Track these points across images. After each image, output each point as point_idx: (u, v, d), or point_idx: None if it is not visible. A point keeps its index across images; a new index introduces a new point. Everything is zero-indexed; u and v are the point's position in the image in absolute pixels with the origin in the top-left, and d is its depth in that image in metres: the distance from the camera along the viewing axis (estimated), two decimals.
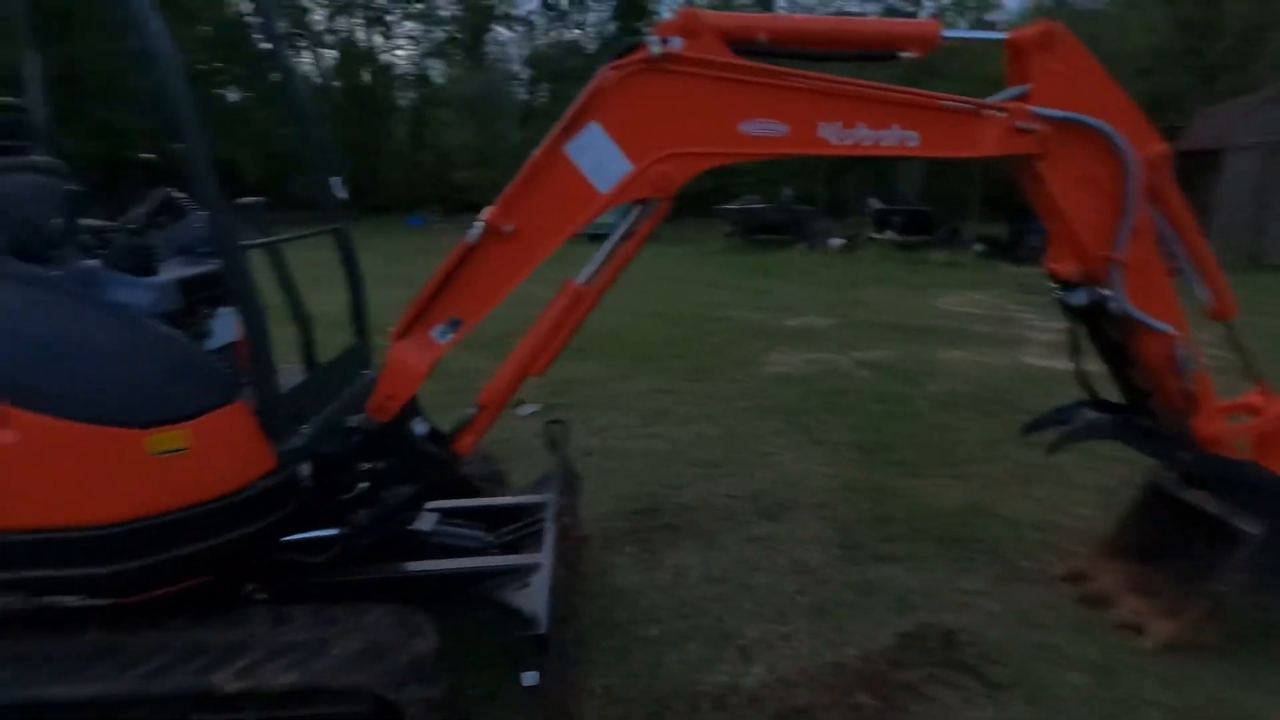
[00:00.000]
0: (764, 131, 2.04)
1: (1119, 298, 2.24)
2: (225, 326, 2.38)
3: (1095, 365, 2.70)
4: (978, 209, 17.98)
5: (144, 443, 1.78)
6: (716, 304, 9.93)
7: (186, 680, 1.76)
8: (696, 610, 2.79)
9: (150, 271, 2.15)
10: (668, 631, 2.66)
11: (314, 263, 2.95)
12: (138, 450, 1.77)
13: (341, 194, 2.74)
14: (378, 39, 36.55)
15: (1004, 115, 2.08)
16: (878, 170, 21.56)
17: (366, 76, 35.58)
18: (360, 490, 2.25)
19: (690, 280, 12.45)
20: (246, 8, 31.65)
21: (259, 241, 2.13)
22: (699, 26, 1.96)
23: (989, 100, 2.13)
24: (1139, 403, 2.53)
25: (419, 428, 2.32)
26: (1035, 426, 2.82)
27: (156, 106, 1.83)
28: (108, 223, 2.36)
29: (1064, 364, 2.99)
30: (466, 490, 2.96)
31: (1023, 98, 2.11)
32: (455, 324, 2.17)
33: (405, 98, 38.25)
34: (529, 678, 1.85)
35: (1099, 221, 2.22)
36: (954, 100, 2.10)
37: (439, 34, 37.80)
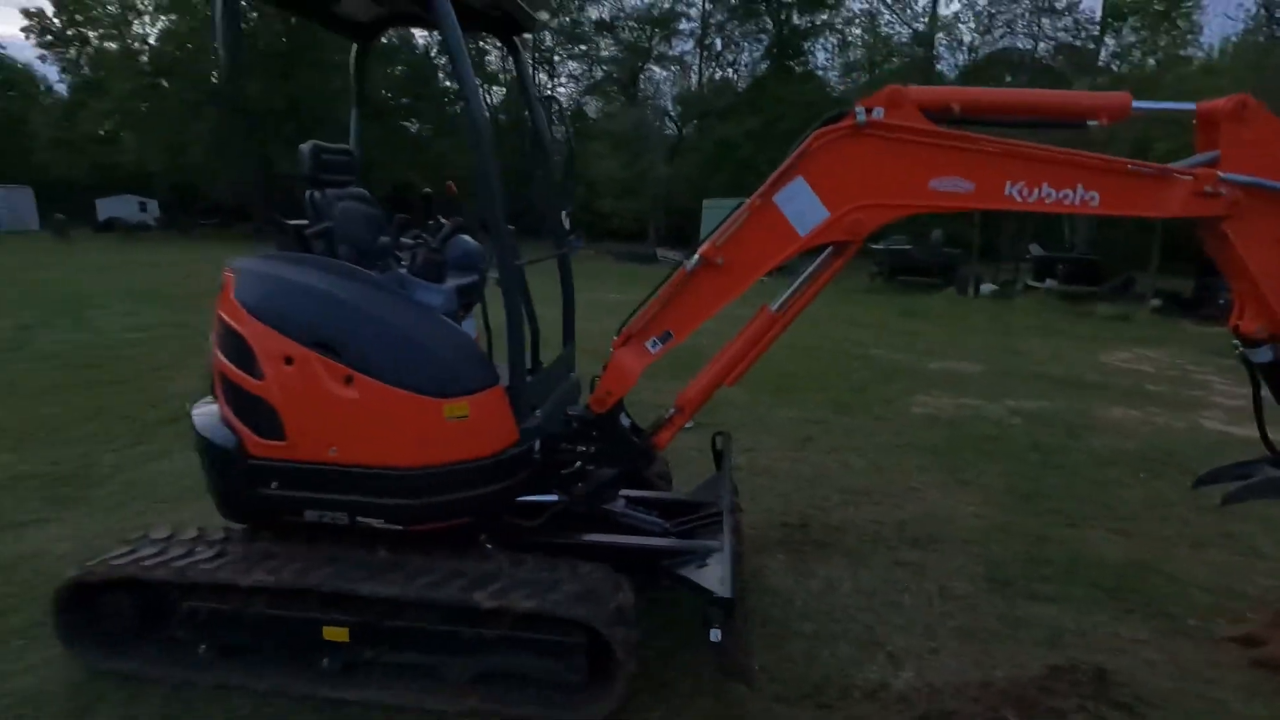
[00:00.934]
0: (952, 188, 2.33)
1: None
2: (469, 327, 2.99)
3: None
4: (1157, 261, 16.53)
5: (442, 409, 2.35)
6: (859, 342, 9.95)
7: (455, 594, 2.28)
8: (847, 617, 3.03)
9: (441, 280, 2.78)
10: (821, 631, 2.92)
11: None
12: (438, 414, 2.35)
13: (568, 225, 3.32)
14: (543, 77, 39.53)
15: (1191, 179, 2.23)
16: (1041, 215, 20.37)
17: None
18: (577, 467, 2.74)
19: (833, 319, 12.46)
20: (434, 51, 35.56)
21: (526, 260, 2.68)
22: (900, 99, 2.30)
23: (1176, 165, 2.29)
24: None
25: (625, 421, 2.79)
26: (1211, 479, 2.81)
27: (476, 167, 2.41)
28: (411, 240, 3.03)
29: (1247, 430, 2.95)
30: (642, 483, 3.41)
31: (1212, 164, 2.25)
32: (667, 336, 2.61)
33: (563, 130, 40.95)
34: (715, 634, 2.20)
35: None
36: (1141, 165, 2.28)
37: (598, 73, 40.23)
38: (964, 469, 4.86)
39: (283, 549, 2.51)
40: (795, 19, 37.39)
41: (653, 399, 3.82)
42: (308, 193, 2.75)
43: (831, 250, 2.53)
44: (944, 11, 34.40)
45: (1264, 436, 2.66)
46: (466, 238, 3.12)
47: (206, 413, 2.60)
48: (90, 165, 38.54)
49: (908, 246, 19.02)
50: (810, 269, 2.56)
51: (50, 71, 46.43)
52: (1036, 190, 2.31)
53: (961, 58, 32.38)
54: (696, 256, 2.49)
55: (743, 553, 3.06)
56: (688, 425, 5.53)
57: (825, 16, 36.98)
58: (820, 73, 38.23)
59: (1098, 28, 29.16)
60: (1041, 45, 28.78)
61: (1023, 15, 29.31)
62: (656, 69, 40.92)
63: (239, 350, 2.40)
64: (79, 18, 39.59)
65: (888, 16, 35.26)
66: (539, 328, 3.20)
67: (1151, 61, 29.02)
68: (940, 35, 33.43)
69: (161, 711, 2.34)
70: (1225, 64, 28.35)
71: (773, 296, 2.65)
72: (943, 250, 18.73)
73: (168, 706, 2.36)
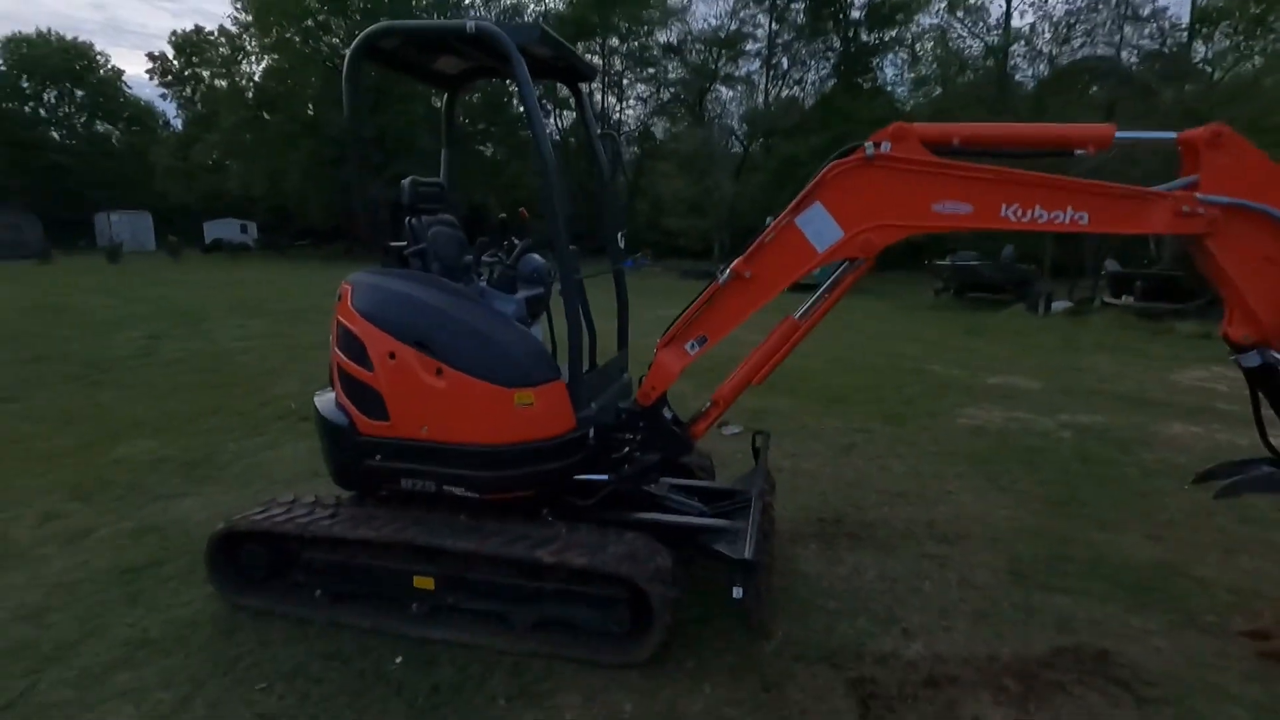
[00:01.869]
0: (953, 210, 2.66)
1: None
2: (535, 332, 3.47)
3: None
4: None
5: (513, 398, 2.84)
6: (915, 358, 10.03)
7: (523, 552, 2.74)
8: (869, 598, 3.33)
9: (513, 291, 3.29)
10: (842, 608, 3.23)
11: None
12: (509, 401, 2.84)
13: (623, 245, 3.79)
14: (611, 100, 40.71)
15: (1171, 200, 2.49)
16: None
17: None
18: (625, 452, 3.18)
19: (891, 335, 12.52)
20: (508, 82, 37.33)
21: (584, 275, 3.15)
22: (904, 134, 2.65)
23: (1160, 188, 2.55)
24: None
25: (667, 414, 3.21)
26: (1210, 475, 2.98)
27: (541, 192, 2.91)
28: (488, 258, 3.56)
29: None
30: (686, 474, 3.81)
31: (1192, 186, 2.50)
32: (702, 340, 3.03)
33: (630, 151, 42.05)
34: (737, 592, 2.58)
35: (1273, 293, 2.49)
36: (1126, 188, 2.56)
37: (665, 94, 41.10)
38: (1002, 476, 5.02)
39: (382, 512, 3.04)
40: (864, 36, 37.30)
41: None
42: (406, 219, 3.32)
43: (846, 265, 2.88)
44: (1018, 23, 33.43)
45: (1263, 437, 2.83)
46: (535, 256, 3.63)
47: (325, 399, 3.19)
48: (201, 192, 42.13)
49: (975, 262, 18.67)
50: (829, 281, 2.92)
51: (168, 107, 51.15)
52: (1030, 211, 2.60)
53: (1043, 67, 31.45)
54: (728, 271, 2.90)
55: (770, 532, 3.40)
56: (735, 430, 5.90)
57: (894, 33, 36.72)
58: (889, 88, 37.92)
59: (1185, 34, 27.87)
60: (1124, 54, 27.64)
61: (1103, 24, 28.29)
62: (723, 89, 41.54)
63: (354, 347, 2.97)
64: (195, 59, 43.60)
65: (959, 30, 34.67)
66: (596, 334, 3.66)
67: (1250, 65, 27.45)
68: (1016, 46, 32.62)
69: (286, 635, 2.90)
70: None
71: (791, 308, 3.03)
72: (1014, 266, 18.29)
73: (291, 634, 2.92)
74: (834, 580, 3.49)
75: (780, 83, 40.93)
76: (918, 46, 36.70)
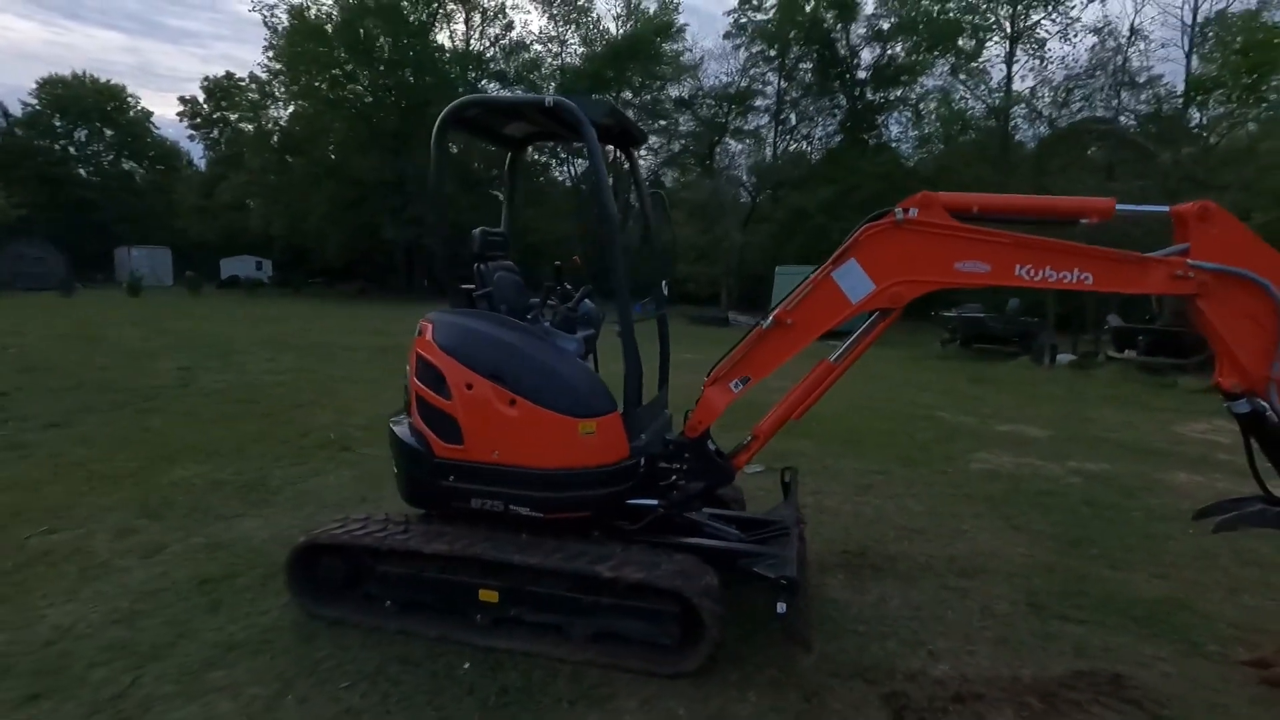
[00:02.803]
0: (973, 269, 3.01)
1: (1276, 408, 2.79)
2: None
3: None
4: None
5: (578, 427, 3.16)
6: (927, 405, 10.32)
7: (583, 566, 3.02)
8: (896, 624, 3.56)
9: (574, 332, 3.64)
10: (871, 631, 3.47)
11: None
12: (574, 430, 3.15)
13: (666, 292, 4.16)
14: (609, 146, 41.93)
15: (1166, 265, 2.84)
16: None
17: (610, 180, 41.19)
18: (672, 480, 3.47)
19: (903, 383, 12.83)
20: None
21: (638, 318, 3.50)
22: (930, 202, 3.03)
23: (1156, 254, 2.90)
24: None
25: (711, 446, 3.52)
26: (1207, 512, 3.25)
27: (600, 243, 3.29)
28: (551, 301, 3.92)
29: None
30: (721, 505, 4.09)
31: (1184, 253, 2.85)
32: (745, 380, 3.35)
33: (624, 199, 43.14)
34: (781, 607, 2.84)
35: (1258, 347, 2.81)
36: (1125, 254, 2.91)
37: (676, 145, 42.37)
38: (1016, 516, 5.27)
39: (451, 529, 3.33)
40: (869, 95, 38.67)
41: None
42: (475, 264, 3.69)
43: (877, 315, 3.23)
44: (1019, 86, 34.76)
45: (1256, 476, 3.12)
46: (587, 301, 3.99)
47: (401, 425, 3.51)
48: (221, 229, 43.25)
49: (981, 315, 19.08)
50: (860, 330, 3.26)
51: (193, 148, 52.80)
52: (1041, 271, 2.95)
53: (1043, 128, 32.56)
54: (771, 318, 3.25)
55: (805, 559, 3.66)
56: (758, 469, 6.18)
57: (899, 92, 38.08)
58: (894, 145, 39.10)
59: (1180, 101, 28.92)
60: (1123, 118, 28.67)
61: (1101, 89, 29.42)
62: (732, 142, 42.85)
63: (434, 378, 3.30)
64: (224, 103, 45.28)
65: (962, 91, 35.99)
66: (642, 373, 3.98)
67: (1244, 132, 28.40)
68: (1017, 107, 33.82)
69: (362, 641, 3.15)
70: None
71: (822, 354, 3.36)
72: (1019, 319, 18.70)
73: (367, 640, 3.17)
74: (862, 607, 3.73)
75: (788, 137, 42.26)
76: (921, 106, 38.05)
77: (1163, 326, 15.87)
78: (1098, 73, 29.39)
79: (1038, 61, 33.81)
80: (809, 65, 39.20)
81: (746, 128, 42.34)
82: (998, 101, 34.49)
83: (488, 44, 43.10)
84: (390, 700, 2.78)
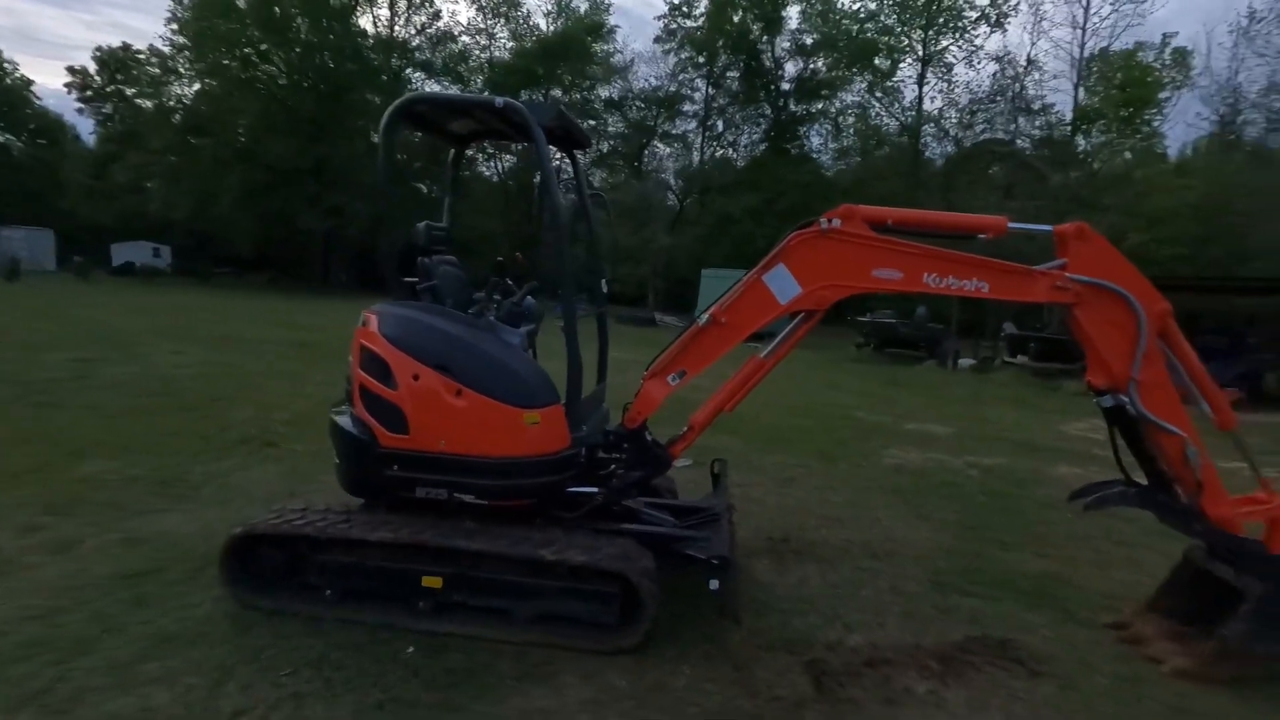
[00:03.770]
0: (888, 276, 3.33)
1: (1136, 404, 3.25)
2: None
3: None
4: None
5: (523, 416, 3.28)
6: (843, 405, 10.93)
7: (527, 550, 3.14)
8: (816, 601, 3.86)
9: (518, 326, 3.75)
10: (794, 608, 3.75)
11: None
12: (519, 420, 3.27)
13: (605, 290, 4.33)
14: (552, 148, 41.75)
15: (1047, 277, 3.25)
16: None
17: (535, 178, 40.93)
18: (611, 469, 3.64)
19: (820, 384, 13.49)
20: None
21: (580, 315, 3.65)
22: (852, 214, 3.33)
23: (1039, 267, 3.31)
24: (1161, 483, 3.42)
25: (649, 436, 3.71)
26: (1078, 495, 3.73)
27: (548, 242, 3.42)
28: (496, 296, 4.01)
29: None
30: (653, 494, 4.29)
31: (1063, 267, 3.27)
32: (682, 374, 3.56)
33: (567, 199, 43.06)
34: (714, 584, 3.07)
35: (1121, 350, 3.26)
36: (1016, 266, 3.31)
37: (605, 147, 42.58)
38: (923, 506, 5.74)
39: (394, 518, 3.37)
40: (792, 106, 40.12)
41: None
42: (419, 258, 3.75)
43: (802, 316, 3.51)
44: (929, 106, 36.99)
45: (1118, 462, 3.60)
46: (530, 297, 4.11)
47: (342, 415, 3.52)
48: (116, 212, 40.12)
49: (893, 320, 20.26)
50: (786, 329, 3.53)
51: (82, 123, 48.68)
52: (946, 279, 3.31)
53: (949, 147, 34.76)
54: (707, 316, 3.47)
55: (735, 541, 3.91)
56: (686, 463, 6.42)
57: (820, 106, 39.70)
58: (816, 155, 40.75)
59: (1069, 129, 31.56)
60: (1020, 141, 31.00)
61: (1002, 113, 31.71)
62: (661, 145, 43.49)
63: (379, 368, 3.34)
64: (119, 76, 42.01)
65: (877, 108, 37.93)
66: (582, 367, 4.13)
67: (1121, 160, 31.36)
68: (926, 126, 35.98)
69: (302, 630, 3.16)
70: (1197, 163, 30.73)
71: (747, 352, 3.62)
72: (927, 325, 19.98)
73: (307, 629, 3.18)
74: (785, 587, 4.02)
75: (715, 143, 43.30)
76: (840, 120, 39.85)
77: (1051, 334, 17.33)
78: (998, 98, 31.68)
79: (945, 84, 36.15)
80: (736, 74, 40.31)
81: (675, 132, 43.15)
82: (910, 120, 36.57)
83: (413, 32, 41.96)
84: (335, 685, 2.82)
